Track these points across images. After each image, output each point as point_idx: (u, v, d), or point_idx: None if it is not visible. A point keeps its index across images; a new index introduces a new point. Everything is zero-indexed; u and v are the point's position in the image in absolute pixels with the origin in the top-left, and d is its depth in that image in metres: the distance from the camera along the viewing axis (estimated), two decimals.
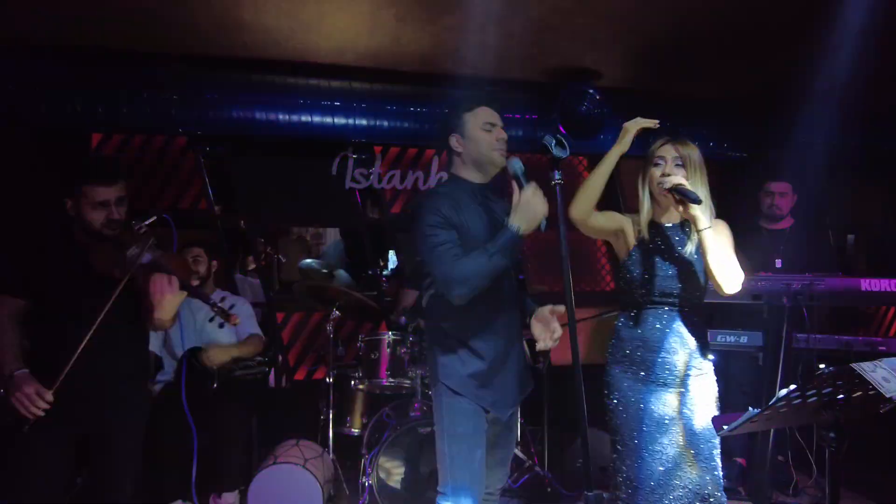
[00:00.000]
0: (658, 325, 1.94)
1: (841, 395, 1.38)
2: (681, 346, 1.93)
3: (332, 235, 5.62)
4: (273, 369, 3.85)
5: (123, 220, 2.05)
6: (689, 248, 1.95)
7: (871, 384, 1.25)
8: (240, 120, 3.38)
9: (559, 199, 1.48)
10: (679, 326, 1.94)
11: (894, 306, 4.62)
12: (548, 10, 2.93)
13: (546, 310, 1.81)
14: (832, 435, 1.40)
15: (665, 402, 1.91)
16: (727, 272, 1.87)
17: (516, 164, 1.77)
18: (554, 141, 1.50)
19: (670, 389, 1.91)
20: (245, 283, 4.11)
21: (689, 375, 1.92)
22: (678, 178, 1.86)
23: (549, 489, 3.26)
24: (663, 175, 1.91)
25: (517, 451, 3.21)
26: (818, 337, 2.68)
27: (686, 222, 1.97)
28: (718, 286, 1.88)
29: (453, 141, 1.97)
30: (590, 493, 1.24)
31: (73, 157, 3.68)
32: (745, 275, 1.96)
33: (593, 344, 4.54)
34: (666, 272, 1.94)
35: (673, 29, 3.11)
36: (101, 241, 2.02)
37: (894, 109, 4.07)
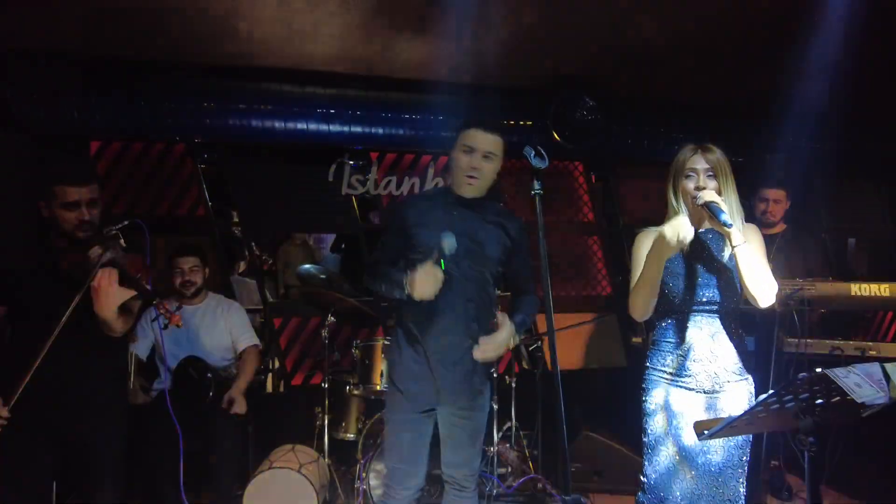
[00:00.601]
0: (697, 332, 1.93)
1: (820, 401, 1.40)
2: (720, 352, 1.93)
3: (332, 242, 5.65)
4: (270, 374, 3.87)
5: (97, 222, 2.05)
6: (725, 254, 1.95)
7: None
8: (236, 127, 3.43)
9: (539, 209, 1.50)
10: (718, 333, 1.94)
11: (885, 311, 4.61)
12: (540, 18, 2.96)
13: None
14: (811, 440, 1.41)
15: (704, 409, 1.92)
16: (763, 287, 1.86)
17: (447, 241, 1.88)
18: (533, 152, 1.53)
19: (709, 396, 1.92)
20: (239, 283, 4.13)
21: (728, 381, 1.93)
22: (711, 195, 1.85)
23: (543, 492, 3.27)
24: (697, 188, 1.90)
25: (512, 455, 3.23)
26: (809, 342, 2.69)
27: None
28: (753, 300, 1.88)
29: (450, 154, 2.06)
30: (567, 497, 1.25)
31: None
32: None
33: (590, 348, 4.56)
34: (703, 279, 1.93)
35: (664, 35, 3.14)
36: (73, 244, 2.01)
37: (886, 112, 4.08)
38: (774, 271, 3.07)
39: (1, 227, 3.02)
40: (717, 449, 1.90)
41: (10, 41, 3.06)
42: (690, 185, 1.92)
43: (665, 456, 1.94)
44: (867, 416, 1.45)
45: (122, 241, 2.02)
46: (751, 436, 1.96)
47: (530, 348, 3.71)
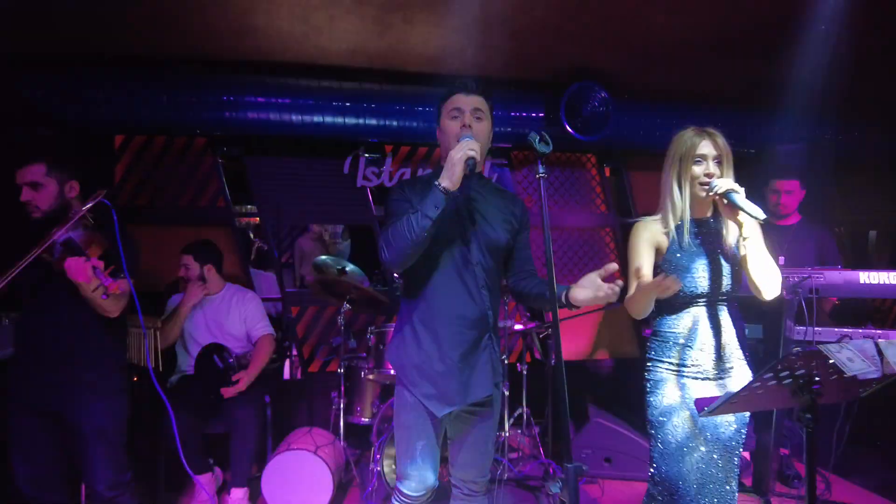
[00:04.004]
0: (699, 321, 1.91)
1: (817, 378, 1.45)
2: (722, 339, 1.92)
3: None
4: (288, 361, 3.98)
5: (45, 206, 2.09)
6: (725, 242, 1.93)
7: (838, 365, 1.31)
8: (255, 121, 3.52)
9: (543, 193, 1.51)
10: (719, 320, 1.92)
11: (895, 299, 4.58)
12: (552, 11, 2.99)
13: (594, 275, 1.74)
14: (808, 416, 1.46)
15: (712, 394, 1.89)
16: (769, 279, 1.85)
17: (463, 136, 1.78)
18: (538, 137, 1.55)
19: (711, 383, 1.91)
20: (259, 277, 4.24)
21: (731, 367, 1.93)
22: (729, 182, 1.81)
23: (553, 477, 3.33)
24: (707, 175, 1.87)
25: (524, 444, 3.29)
26: (818, 329, 2.70)
27: (719, 215, 1.95)
28: (759, 292, 1.87)
29: (438, 134, 1.98)
30: (569, 465, 1.32)
31: (98, 157, 3.87)
32: None
33: (602, 338, 4.61)
34: (703, 268, 1.90)
35: (676, 27, 3.15)
36: (34, 227, 2.08)
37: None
38: (789, 263, 3.10)
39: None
40: (730, 423, 1.91)
41: (34, 40, 3.17)
42: (699, 170, 1.89)
43: (675, 445, 1.90)
44: (876, 407, 1.48)
45: (88, 219, 2.04)
46: (747, 416, 1.97)
47: (541, 336, 3.77)
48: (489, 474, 2.05)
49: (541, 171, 1.48)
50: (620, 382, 4.49)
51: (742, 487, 3.28)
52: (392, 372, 3.07)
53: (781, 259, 3.20)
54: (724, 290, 1.93)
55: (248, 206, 4.13)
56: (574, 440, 3.51)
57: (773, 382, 1.40)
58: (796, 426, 3.34)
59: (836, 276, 2.69)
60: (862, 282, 2.64)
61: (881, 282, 2.62)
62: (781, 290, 2.72)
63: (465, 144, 1.72)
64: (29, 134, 3.49)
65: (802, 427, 1.48)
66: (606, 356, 4.59)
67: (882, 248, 5.27)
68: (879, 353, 1.32)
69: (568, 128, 3.73)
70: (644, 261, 1.94)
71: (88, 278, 1.91)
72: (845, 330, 2.76)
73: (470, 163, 1.71)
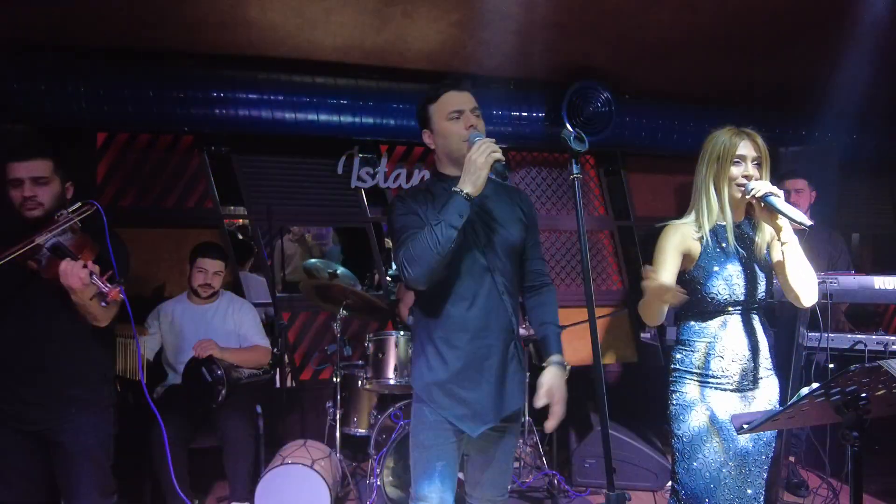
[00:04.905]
0: (730, 329, 1.84)
1: (864, 394, 1.36)
2: (753, 349, 1.84)
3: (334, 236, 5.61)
4: (278, 369, 3.83)
5: (48, 203, 1.96)
6: (758, 249, 1.85)
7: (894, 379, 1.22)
8: (246, 118, 3.37)
9: (578, 194, 1.41)
10: (751, 330, 1.85)
11: None
12: (555, 8, 2.90)
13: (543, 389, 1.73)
14: (855, 434, 1.36)
15: (738, 406, 1.84)
16: (808, 286, 1.78)
17: (473, 136, 1.68)
18: (573, 135, 1.44)
19: (737, 394, 1.84)
20: (249, 280, 4.09)
21: (761, 378, 1.86)
22: (767, 185, 1.73)
23: (557, 488, 3.24)
24: (745, 177, 1.79)
25: (527, 453, 3.19)
26: (831, 336, 2.64)
27: (751, 219, 1.89)
28: (797, 298, 1.80)
29: (426, 137, 1.86)
30: (612, 494, 1.21)
31: (78, 155, 3.68)
32: None
33: (603, 343, 4.52)
34: (738, 275, 1.82)
35: (681, 27, 3.09)
36: (30, 227, 1.91)
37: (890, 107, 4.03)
38: None
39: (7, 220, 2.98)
40: (756, 438, 1.84)
41: (16, 32, 3.01)
42: (737, 172, 1.80)
43: (702, 459, 1.81)
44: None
45: (75, 223, 1.92)
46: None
47: None
48: (508, 491, 1.95)
49: (575, 171, 1.37)
50: (622, 388, 4.42)
51: None
52: (392, 382, 2.96)
53: None
54: (758, 298, 1.85)
55: (231, 208, 3.97)
56: (577, 449, 3.42)
57: (822, 399, 1.31)
58: (802, 434, 3.28)
59: (851, 281, 2.63)
60: (877, 287, 2.58)
61: None
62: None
63: (486, 146, 1.60)
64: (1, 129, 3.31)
65: (848, 444, 1.39)
66: (610, 361, 4.50)
67: (864, 251, 5.30)
68: None
69: (570, 127, 3.64)
70: (668, 267, 1.84)
71: (85, 285, 1.77)
72: (858, 336, 2.70)
73: (498, 166, 1.60)
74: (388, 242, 5.32)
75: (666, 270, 1.84)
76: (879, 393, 1.37)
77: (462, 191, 1.61)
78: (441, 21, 3.03)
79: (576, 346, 4.36)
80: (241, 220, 4.71)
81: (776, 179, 3.31)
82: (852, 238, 5.25)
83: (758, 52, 3.37)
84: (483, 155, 1.59)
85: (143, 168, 3.79)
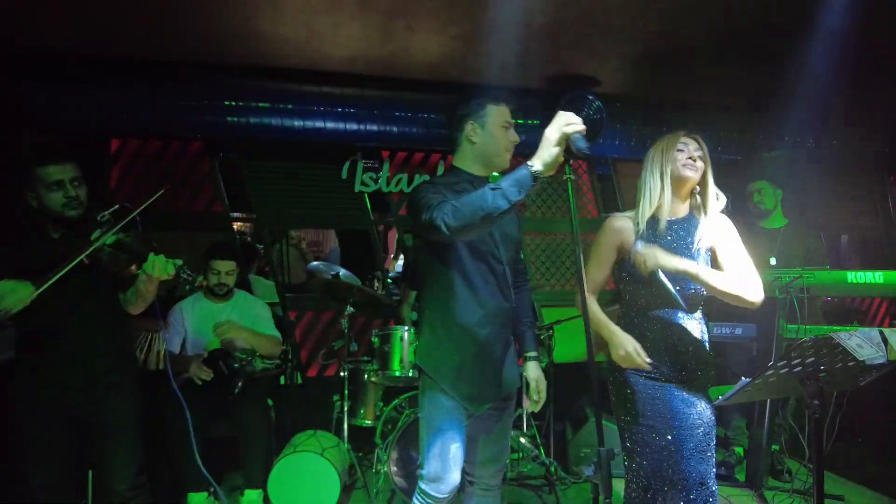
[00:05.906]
0: (664, 324, 1.91)
1: (823, 367, 1.54)
2: (687, 342, 1.91)
3: (331, 242, 5.74)
4: (286, 366, 3.98)
5: (85, 201, 2.08)
6: (696, 246, 1.90)
7: (849, 353, 1.39)
8: (257, 126, 3.52)
9: (571, 196, 1.46)
10: (686, 323, 1.92)
11: (880, 298, 4.78)
12: (550, 21, 3.08)
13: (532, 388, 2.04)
14: (816, 402, 1.54)
15: (673, 398, 1.90)
16: (749, 290, 1.84)
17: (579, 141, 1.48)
18: (580, 138, 1.43)
19: (677, 385, 1.92)
20: (256, 280, 4.24)
21: (695, 370, 1.93)
22: (655, 261, 1.81)
23: (554, 477, 3.40)
24: (691, 158, 1.87)
25: (524, 442, 3.35)
26: (808, 328, 2.82)
27: (693, 217, 1.95)
28: (743, 303, 1.85)
29: (468, 128, 1.89)
30: (602, 449, 1.39)
31: (93, 161, 3.83)
32: None
33: (596, 339, 4.67)
34: (672, 274, 1.84)
35: (669, 38, 3.27)
36: (67, 228, 2.04)
37: (876, 111, 4.24)
38: (780, 264, 3.22)
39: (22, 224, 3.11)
40: (698, 425, 1.91)
41: (32, 40, 3.15)
42: (682, 156, 1.88)
43: (642, 440, 1.91)
44: (862, 404, 1.57)
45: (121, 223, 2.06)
46: (714, 418, 1.95)
47: (540, 337, 3.83)
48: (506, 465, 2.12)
49: (567, 172, 1.47)
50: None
51: (736, 482, 3.39)
52: (397, 373, 3.10)
53: (773, 260, 3.34)
54: (691, 293, 1.90)
55: (235, 213, 4.12)
56: (573, 439, 3.59)
57: (785, 370, 1.49)
58: (787, 422, 3.46)
59: (826, 275, 2.82)
60: (850, 281, 2.77)
61: (867, 281, 2.74)
62: (774, 290, 2.86)
63: (563, 118, 1.42)
64: (22, 137, 3.46)
65: (809, 413, 1.57)
66: (600, 359, 4.65)
67: (853, 252, 5.48)
68: (884, 340, 1.41)
69: None
70: (602, 267, 2.01)
71: (169, 274, 2.04)
72: (835, 328, 2.88)
73: (579, 142, 1.40)
74: (391, 243, 5.50)
75: (598, 268, 2.01)
76: (838, 366, 1.55)
77: (532, 165, 1.47)
78: (442, 34, 3.21)
79: (570, 344, 4.54)
80: (238, 225, 4.85)
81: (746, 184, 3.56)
82: (841, 240, 5.44)
83: (738, 62, 3.57)
84: (557, 129, 1.40)
85: (154, 172, 3.95)
